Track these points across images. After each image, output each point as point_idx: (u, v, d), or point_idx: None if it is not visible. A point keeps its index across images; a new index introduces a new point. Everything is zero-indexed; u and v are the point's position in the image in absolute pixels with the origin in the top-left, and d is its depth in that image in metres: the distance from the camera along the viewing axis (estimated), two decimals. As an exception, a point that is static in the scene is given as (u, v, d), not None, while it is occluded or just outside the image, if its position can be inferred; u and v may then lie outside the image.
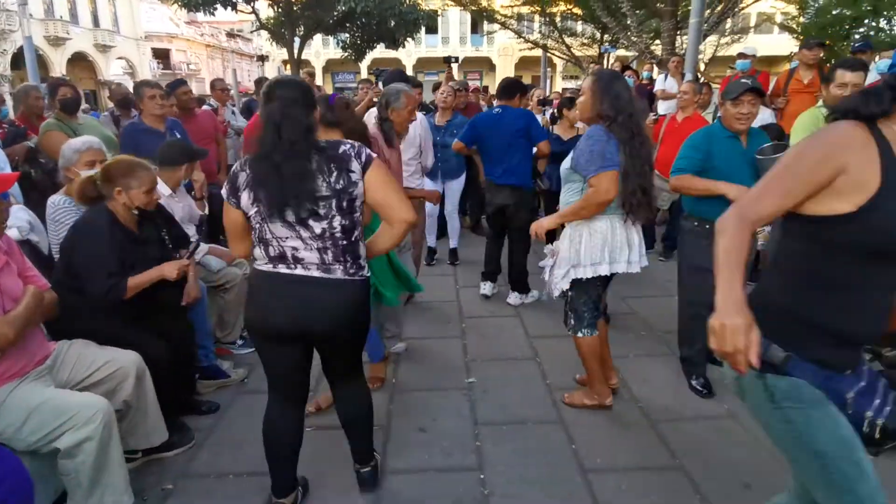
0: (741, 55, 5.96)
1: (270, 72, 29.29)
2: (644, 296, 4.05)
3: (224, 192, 1.71)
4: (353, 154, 1.67)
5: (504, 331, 3.55)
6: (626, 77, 6.48)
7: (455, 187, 4.75)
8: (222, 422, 2.59)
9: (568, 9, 15.88)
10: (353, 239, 1.71)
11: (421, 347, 3.32)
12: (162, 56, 32.47)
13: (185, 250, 2.58)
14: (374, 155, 1.72)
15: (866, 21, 10.75)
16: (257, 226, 1.68)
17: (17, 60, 20.66)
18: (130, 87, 5.29)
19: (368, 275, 1.80)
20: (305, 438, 1.98)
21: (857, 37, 5.96)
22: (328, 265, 1.68)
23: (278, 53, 26.57)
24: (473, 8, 16.62)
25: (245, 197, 1.66)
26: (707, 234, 2.66)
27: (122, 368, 2.07)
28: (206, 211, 3.50)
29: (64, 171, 2.64)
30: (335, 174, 1.63)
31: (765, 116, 4.49)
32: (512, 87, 3.96)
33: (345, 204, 1.65)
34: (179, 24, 34.43)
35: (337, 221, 1.65)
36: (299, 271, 1.67)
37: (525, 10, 16.72)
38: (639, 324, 3.63)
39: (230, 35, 39.33)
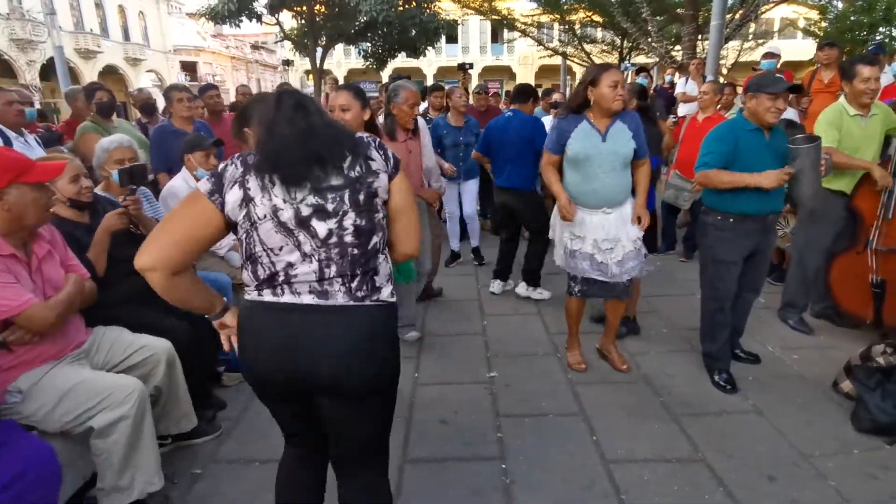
0: (768, 54, 5.90)
1: (294, 79, 29.89)
2: (665, 294, 4.02)
3: (204, 186, 1.26)
4: (374, 145, 1.33)
5: (525, 327, 3.56)
6: (641, 78, 6.48)
7: (472, 187, 4.81)
8: (248, 412, 2.65)
9: (588, 16, 15.91)
10: (368, 248, 1.28)
11: (443, 343, 3.35)
12: (189, 68, 33.38)
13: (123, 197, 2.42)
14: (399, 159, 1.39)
15: (881, 29, 10.72)
16: (244, 237, 1.27)
17: (47, 72, 21.41)
18: (158, 99, 5.47)
19: (392, 299, 1.34)
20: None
21: (872, 45, 5.95)
22: (324, 287, 1.25)
23: (301, 63, 27.10)
24: (494, 16, 16.75)
25: (233, 195, 1.24)
26: (730, 228, 2.66)
27: (154, 355, 2.15)
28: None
29: (98, 171, 2.76)
30: (349, 159, 1.26)
31: (788, 114, 4.45)
32: (526, 93, 4.16)
33: (361, 198, 1.26)
34: (206, 37, 35.40)
35: (349, 221, 1.25)
36: (286, 298, 1.26)
37: (545, 18, 16.79)
38: (660, 322, 3.60)
39: (254, 47, 40.31)
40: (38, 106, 6.21)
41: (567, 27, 16.65)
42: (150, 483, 1.92)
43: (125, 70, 28.09)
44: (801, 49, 19.38)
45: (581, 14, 15.98)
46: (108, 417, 1.82)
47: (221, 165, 1.29)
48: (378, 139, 1.38)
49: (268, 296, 1.28)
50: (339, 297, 1.26)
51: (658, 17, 10.81)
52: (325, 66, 20.38)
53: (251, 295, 1.31)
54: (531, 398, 2.70)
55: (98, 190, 2.68)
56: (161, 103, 5.22)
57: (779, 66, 5.93)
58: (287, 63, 24.82)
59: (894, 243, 3.09)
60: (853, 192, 3.20)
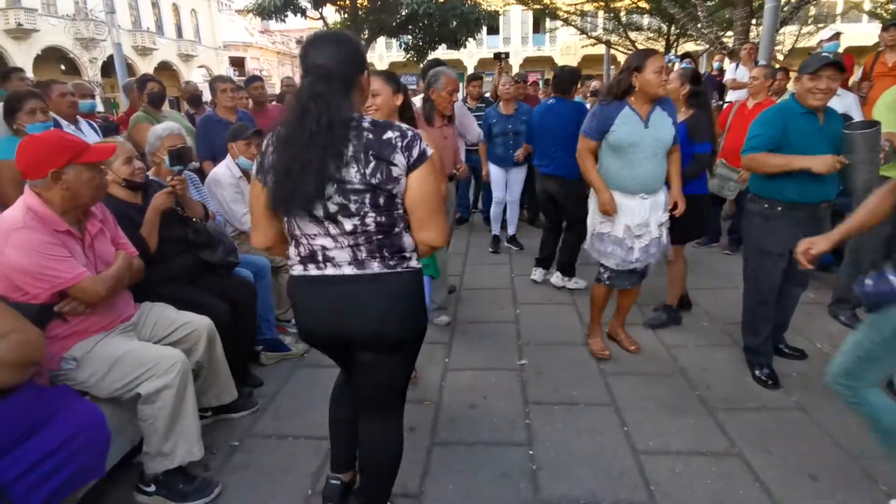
0: (834, 36, 5.58)
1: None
2: (707, 287, 3.89)
3: (254, 167, 1.48)
4: (400, 145, 1.36)
5: (558, 317, 3.52)
6: (686, 63, 6.25)
7: (518, 176, 4.79)
8: (283, 391, 2.73)
9: (633, 2, 15.44)
10: (392, 234, 1.44)
11: (474, 330, 3.36)
12: (238, 64, 34.43)
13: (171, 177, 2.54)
14: (430, 152, 1.41)
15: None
16: (285, 219, 1.46)
17: (107, 69, 22.57)
18: (206, 93, 5.69)
19: (417, 266, 1.51)
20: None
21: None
22: (362, 261, 1.43)
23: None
24: (536, 6, 16.49)
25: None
26: (778, 216, 2.55)
27: (196, 331, 2.25)
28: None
29: (151, 157, 2.89)
30: (372, 165, 1.34)
31: (848, 102, 4.20)
32: (564, 82, 4.01)
33: (381, 200, 1.37)
34: (254, 33, 36.41)
35: (371, 219, 1.39)
36: (330, 270, 1.44)
37: (589, 6, 16.40)
38: (700, 315, 3.49)
39: (299, 42, 41.07)
40: (98, 100, 6.57)
41: (612, 15, 16.21)
42: (191, 452, 2.00)
43: (178, 66, 29.25)
44: (865, 34, 18.24)
45: (627, 1, 15.52)
46: (154, 385, 1.92)
47: (264, 143, 1.45)
48: (411, 135, 1.39)
49: (312, 270, 1.46)
50: (375, 267, 1.43)
51: (708, 2, 10.36)
52: (368, 60, 20.57)
53: (297, 269, 1.50)
54: (561, 387, 2.67)
55: (150, 174, 2.82)
56: (208, 96, 5.40)
57: (840, 49, 5.61)
58: None
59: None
60: None
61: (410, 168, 1.38)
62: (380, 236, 1.42)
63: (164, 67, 28.31)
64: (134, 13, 26.59)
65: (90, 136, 3.61)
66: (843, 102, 4.00)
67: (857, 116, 3.87)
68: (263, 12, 17.30)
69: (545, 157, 3.93)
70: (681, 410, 2.46)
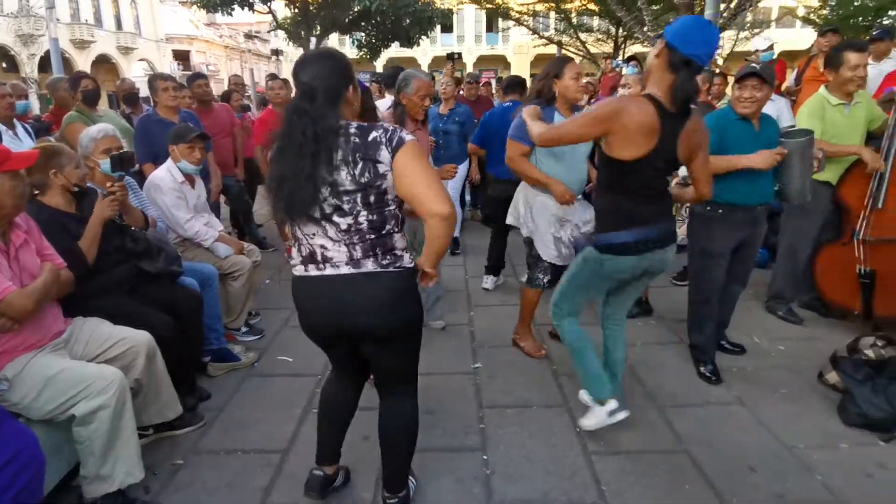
0: (769, 47, 5.85)
1: (286, 70, 29.57)
2: (654, 286, 4.00)
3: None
4: (383, 141, 1.46)
5: (512, 319, 3.52)
6: (631, 66, 6.43)
7: (458, 175, 4.75)
8: (232, 403, 2.64)
9: (583, 4, 15.78)
10: (383, 233, 1.55)
11: (429, 333, 3.33)
12: (182, 58, 33.05)
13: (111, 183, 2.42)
14: (409, 138, 1.50)
15: (889, 12, 10.52)
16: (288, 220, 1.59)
17: (45, 64, 21.32)
18: (145, 89, 5.41)
19: (410, 264, 1.62)
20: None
21: (876, 30, 5.85)
22: (357, 260, 1.54)
23: (295, 53, 26.84)
24: (488, 5, 16.60)
25: None
26: (720, 218, 2.65)
27: (133, 347, 2.13)
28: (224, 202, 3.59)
29: (84, 161, 2.72)
30: (360, 166, 1.46)
31: (780, 106, 4.42)
32: (520, 84, 4.26)
33: (372, 199, 1.49)
34: (199, 25, 35.03)
35: (363, 217, 1.50)
36: (329, 271, 1.56)
37: (540, 6, 16.64)
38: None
39: (248, 36, 39.89)
40: (34, 98, 6.15)
41: (562, 16, 16.51)
42: (131, 474, 1.92)
43: (117, 59, 27.83)
44: (798, 38, 19.32)
45: (577, 2, 15.85)
46: (89, 406, 1.84)
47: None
48: (392, 129, 1.49)
49: (313, 271, 1.58)
50: (370, 266, 1.55)
51: (654, 6, 10.69)
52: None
53: (298, 270, 1.63)
54: (515, 389, 2.70)
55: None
56: (147, 93, 5.15)
57: (774, 56, 5.89)
58: (276, 53, 24.37)
59: (883, 233, 3.09)
60: (839, 182, 3.19)
61: (393, 153, 1.47)
62: (372, 235, 1.53)
63: (103, 61, 26.89)
64: (73, 5, 25.18)
65: (26, 142, 3.41)
66: (775, 106, 4.20)
67: (788, 120, 4.07)
68: (208, 4, 16.67)
69: (501, 162, 3.88)
70: (631, 408, 2.51)
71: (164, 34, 32.00)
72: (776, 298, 3.51)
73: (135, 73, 27.64)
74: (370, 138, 1.47)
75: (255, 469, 2.16)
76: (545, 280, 2.92)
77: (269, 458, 2.22)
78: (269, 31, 26.18)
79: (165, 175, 3.04)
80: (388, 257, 1.57)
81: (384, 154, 1.46)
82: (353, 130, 1.47)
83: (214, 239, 3.09)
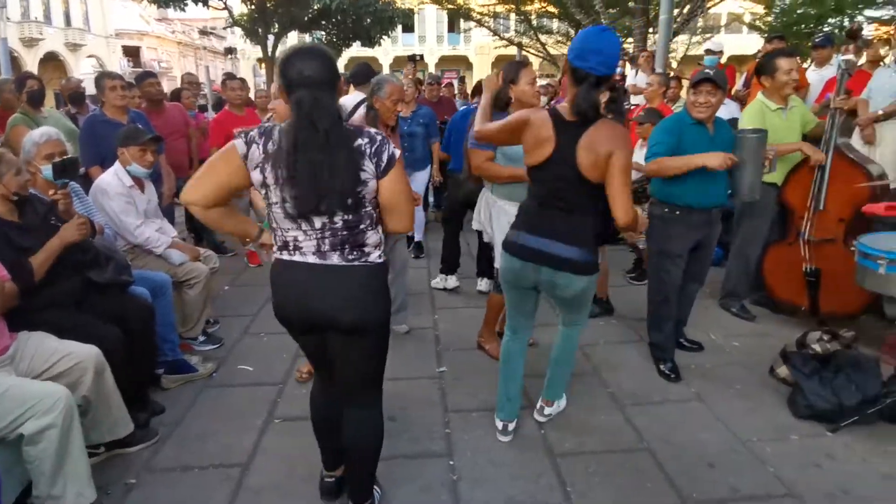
0: (708, 51, 6.09)
1: (245, 69, 28.87)
2: (614, 286, 4.09)
3: (241, 148, 1.51)
4: (369, 152, 1.50)
5: (476, 320, 3.52)
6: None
7: (421, 178, 4.73)
8: (188, 416, 2.54)
9: (543, 6, 16.00)
10: (356, 231, 1.58)
11: (393, 337, 3.26)
12: (132, 54, 31.75)
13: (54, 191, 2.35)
14: (397, 152, 1.55)
15: (830, 20, 11.10)
16: (268, 209, 1.60)
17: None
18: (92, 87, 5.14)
19: (379, 260, 1.65)
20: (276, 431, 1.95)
21: (819, 36, 6.16)
22: (324, 252, 1.58)
23: (253, 52, 26.19)
24: (449, 6, 16.63)
25: (255, 175, 1.52)
26: (677, 220, 2.72)
27: (80, 363, 2.03)
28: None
29: (26, 166, 2.56)
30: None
31: (731, 109, 4.59)
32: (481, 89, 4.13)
33: (349, 202, 1.52)
34: (150, 21, 33.68)
35: (339, 217, 1.54)
36: (297, 257, 1.60)
37: (501, 7, 16.77)
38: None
39: (203, 32, 38.60)
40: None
41: (522, 18, 16.70)
42: (82, 495, 1.85)
43: (65, 56, 26.53)
44: (746, 44, 20.14)
45: (536, 5, 16.05)
46: (37, 425, 1.76)
47: (249, 137, 1.51)
48: (379, 140, 1.53)
49: (285, 255, 1.62)
50: (335, 259, 1.58)
51: (611, 10, 10.96)
52: (279, 55, 19.78)
53: (276, 253, 1.66)
54: (480, 392, 2.70)
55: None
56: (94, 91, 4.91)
57: (723, 60, 6.12)
58: (230, 51, 23.60)
59: (825, 234, 3.24)
60: (783, 184, 3.34)
61: (382, 173, 1.53)
62: (345, 233, 1.56)
63: (51, 58, 25.62)
64: (24, 3, 23.93)
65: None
66: (727, 110, 4.36)
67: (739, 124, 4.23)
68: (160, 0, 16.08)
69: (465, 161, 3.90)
70: (594, 409, 2.57)
71: (114, 30, 30.66)
72: (730, 296, 3.63)
73: (83, 70, 26.40)
74: (355, 145, 1.50)
75: (214, 485, 2.09)
76: None
77: (228, 473, 2.15)
78: (224, 28, 25.42)
79: (113, 179, 2.90)
80: (356, 252, 1.59)
81: (368, 164, 1.50)
82: (346, 134, 1.51)
83: (167, 245, 2.97)
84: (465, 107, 5.15)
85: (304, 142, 1.44)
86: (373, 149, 1.50)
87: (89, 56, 28.34)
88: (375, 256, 1.63)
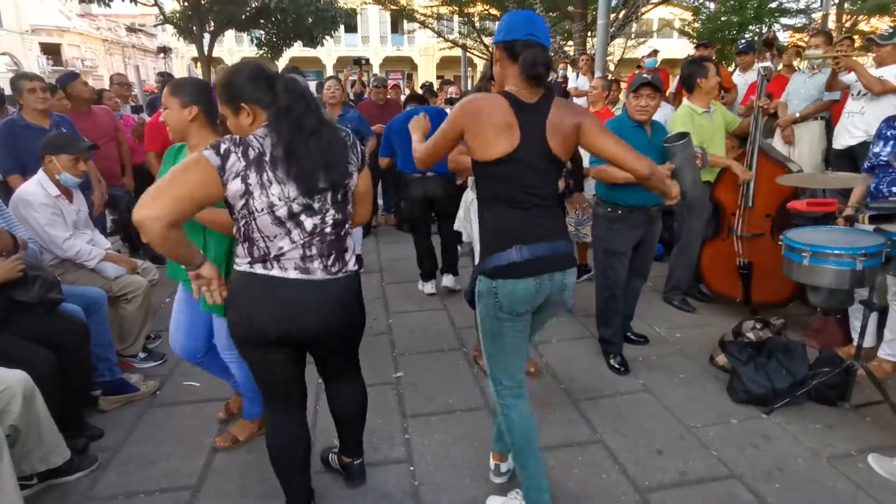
0: (653, 52, 6.35)
1: (179, 68, 27.59)
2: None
3: (214, 160, 1.40)
4: (350, 143, 1.62)
5: (431, 324, 3.56)
6: (653, 59, 6.67)
7: None
8: (130, 439, 2.40)
9: (485, 9, 16.19)
10: (342, 234, 1.62)
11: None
12: (52, 51, 29.65)
13: None
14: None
15: (750, 28, 11.85)
16: (242, 222, 1.50)
17: None
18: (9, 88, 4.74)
19: (355, 268, 1.69)
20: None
21: (742, 43, 6.57)
22: (307, 264, 1.54)
23: (187, 50, 25.08)
24: (392, 7, 16.53)
25: (235, 186, 1.42)
26: (620, 219, 2.83)
27: (7, 389, 1.87)
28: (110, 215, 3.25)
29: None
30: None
31: (667, 112, 4.81)
32: (420, 98, 4.45)
33: (339, 197, 1.57)
34: (71, 16, 31.55)
35: (330, 216, 1.56)
36: (275, 272, 1.53)
37: (444, 9, 16.84)
38: (560, 310, 3.76)
39: (130, 29, 36.44)
40: None
41: (466, 20, 16.83)
42: (13, 533, 1.69)
43: (-28, 53, 24.46)
44: (676, 48, 21.18)
45: (479, 7, 16.22)
46: None
47: (223, 149, 1.41)
48: (352, 137, 1.65)
49: (259, 269, 1.54)
50: (318, 273, 1.57)
51: (550, 14, 11.22)
52: (216, 54, 19.00)
53: (243, 266, 1.56)
54: (438, 396, 2.70)
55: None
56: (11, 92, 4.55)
57: (657, 64, 6.41)
58: (163, 50, 22.47)
59: (755, 229, 3.46)
60: (714, 184, 3.55)
61: (361, 166, 1.65)
62: (332, 237, 1.59)
63: (-46, 55, 23.52)
64: None
65: None
66: (663, 113, 4.57)
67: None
68: (82, -5, 15.08)
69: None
70: (551, 405, 2.62)
71: (30, 25, 28.51)
72: (673, 290, 3.81)
73: (-5, 68, 24.43)
74: (342, 135, 1.60)
75: (162, 510, 1.98)
76: None
77: (177, 497, 2.05)
78: (155, 26, 24.17)
79: (37, 189, 2.70)
80: (339, 263, 1.62)
81: (353, 157, 1.61)
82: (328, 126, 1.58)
83: (101, 258, 2.80)
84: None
85: (301, 115, 1.48)
86: (351, 141, 1.62)
87: (2, 53, 26.25)
88: (352, 265, 1.68)
